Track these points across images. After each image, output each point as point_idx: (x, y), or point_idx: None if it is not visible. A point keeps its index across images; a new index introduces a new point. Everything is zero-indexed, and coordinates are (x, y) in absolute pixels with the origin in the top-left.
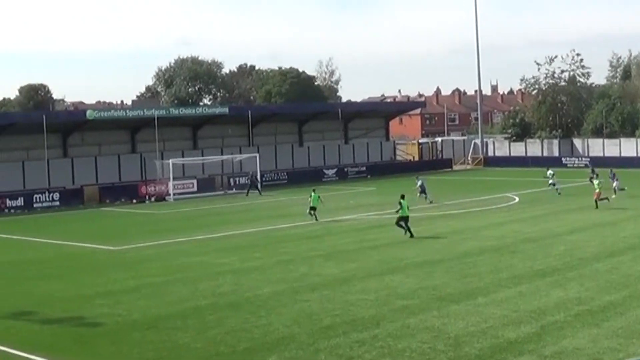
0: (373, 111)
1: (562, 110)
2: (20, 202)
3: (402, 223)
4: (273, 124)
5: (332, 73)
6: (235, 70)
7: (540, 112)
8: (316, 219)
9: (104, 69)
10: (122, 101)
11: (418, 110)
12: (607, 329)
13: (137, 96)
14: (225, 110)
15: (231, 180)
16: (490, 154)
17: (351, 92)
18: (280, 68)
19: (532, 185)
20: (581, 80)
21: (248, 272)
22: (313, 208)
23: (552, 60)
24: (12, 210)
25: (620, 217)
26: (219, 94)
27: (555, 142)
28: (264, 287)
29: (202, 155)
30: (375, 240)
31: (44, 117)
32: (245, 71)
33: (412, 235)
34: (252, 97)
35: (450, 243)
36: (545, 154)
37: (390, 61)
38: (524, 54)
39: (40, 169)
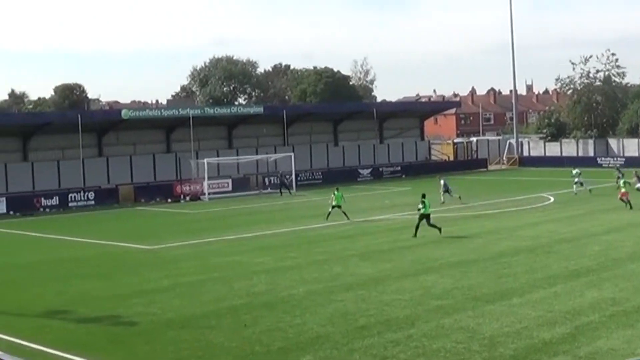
0: (408, 111)
1: (597, 110)
2: (55, 201)
3: (424, 221)
4: (308, 124)
5: (366, 73)
6: (270, 69)
7: (575, 112)
8: (347, 218)
9: (139, 68)
10: (157, 100)
11: (453, 110)
12: None
13: (172, 96)
14: (260, 109)
15: (266, 179)
16: (525, 154)
17: (386, 91)
18: (315, 68)
19: (567, 185)
20: (616, 80)
21: (283, 271)
22: (337, 206)
23: (587, 60)
24: (48, 210)
25: None
26: (253, 93)
27: (591, 142)
28: (298, 287)
29: (237, 155)
30: (410, 240)
31: (79, 116)
32: (280, 71)
33: (415, 235)
34: (287, 97)
35: (485, 243)
36: (580, 154)
37: (425, 61)
38: (559, 54)
39: (75, 168)
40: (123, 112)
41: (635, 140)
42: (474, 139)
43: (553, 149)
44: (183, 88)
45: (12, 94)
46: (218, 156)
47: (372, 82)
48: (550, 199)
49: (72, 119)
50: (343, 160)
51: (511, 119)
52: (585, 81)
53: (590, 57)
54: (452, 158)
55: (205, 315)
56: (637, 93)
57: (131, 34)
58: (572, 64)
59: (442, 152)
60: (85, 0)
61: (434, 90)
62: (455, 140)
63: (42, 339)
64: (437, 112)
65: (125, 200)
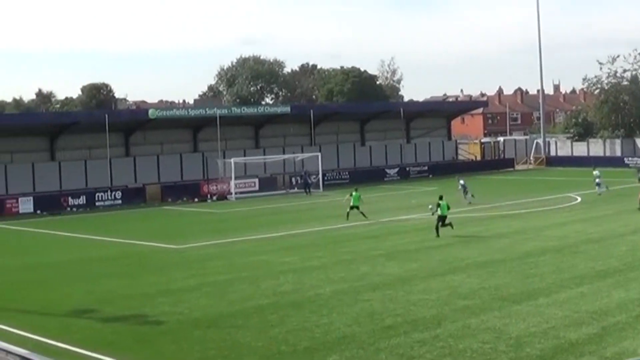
0: (435, 111)
1: (624, 109)
2: (82, 200)
3: (440, 222)
4: (335, 123)
5: (393, 72)
6: (297, 69)
7: (602, 111)
8: (365, 218)
9: (166, 68)
10: (184, 100)
11: (480, 110)
12: None
13: (199, 95)
14: (287, 109)
15: (293, 179)
16: (553, 153)
17: (413, 91)
18: (342, 67)
19: (594, 185)
20: None
21: (309, 271)
22: (355, 207)
23: (614, 59)
24: (75, 209)
25: None
26: (280, 93)
27: (618, 141)
28: (325, 287)
29: (264, 154)
30: (436, 240)
31: (107, 116)
32: (307, 70)
33: (437, 235)
34: (314, 96)
35: (512, 243)
36: (607, 154)
37: (453, 60)
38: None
39: (102, 168)
40: (150, 111)
41: None
42: (501, 138)
43: (580, 149)
44: (210, 88)
45: (40, 94)
46: (245, 156)
47: (399, 81)
48: (577, 199)
49: (100, 119)
50: (370, 160)
51: (538, 118)
52: (613, 81)
53: (618, 56)
54: (479, 158)
55: (232, 315)
56: None
57: (159, 33)
58: (600, 63)
59: (469, 151)
60: (113, 0)
61: (461, 90)
62: (482, 140)
63: (69, 338)
64: (464, 111)
65: (153, 199)
